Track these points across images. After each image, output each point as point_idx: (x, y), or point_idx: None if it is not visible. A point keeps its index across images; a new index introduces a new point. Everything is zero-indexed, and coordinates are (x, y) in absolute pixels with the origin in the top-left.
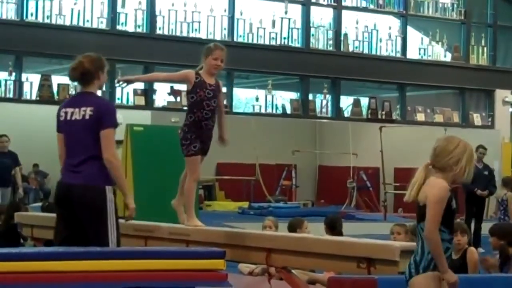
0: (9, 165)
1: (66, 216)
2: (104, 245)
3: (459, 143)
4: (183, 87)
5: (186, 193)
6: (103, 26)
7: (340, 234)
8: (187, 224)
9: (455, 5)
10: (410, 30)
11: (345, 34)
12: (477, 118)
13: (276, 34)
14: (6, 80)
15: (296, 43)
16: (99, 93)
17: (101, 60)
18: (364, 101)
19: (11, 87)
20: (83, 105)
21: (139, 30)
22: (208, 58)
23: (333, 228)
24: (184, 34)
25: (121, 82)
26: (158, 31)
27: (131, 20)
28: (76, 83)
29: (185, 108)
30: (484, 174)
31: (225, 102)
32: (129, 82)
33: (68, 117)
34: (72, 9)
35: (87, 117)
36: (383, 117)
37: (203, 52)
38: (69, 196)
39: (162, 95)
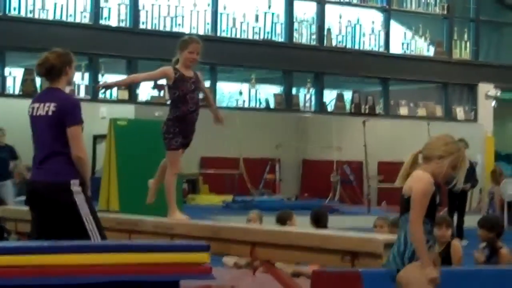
0: (6, 158)
1: (36, 212)
2: (85, 237)
3: (451, 143)
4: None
5: (166, 186)
6: (86, 20)
7: (325, 227)
8: (169, 217)
9: (438, 0)
10: (393, 24)
11: (329, 29)
12: (460, 112)
13: (260, 28)
14: None
15: (280, 38)
16: (66, 89)
17: (68, 55)
18: (348, 95)
19: None
20: (47, 101)
21: (122, 24)
22: (184, 52)
23: (318, 221)
24: (168, 28)
25: (101, 88)
26: (142, 26)
27: (115, 14)
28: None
29: (169, 102)
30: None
31: None
32: (108, 87)
33: (34, 113)
34: (55, 4)
35: (50, 113)
36: (367, 111)
37: (178, 45)
38: (36, 193)
39: (145, 89)
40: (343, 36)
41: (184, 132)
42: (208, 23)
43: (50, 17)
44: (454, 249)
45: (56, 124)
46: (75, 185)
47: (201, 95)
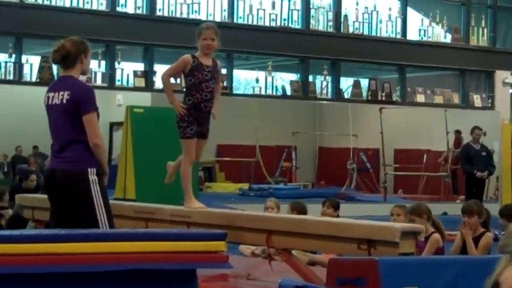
0: None
1: (55, 201)
2: (95, 227)
3: None
4: None
5: (182, 175)
6: (103, 7)
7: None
8: (186, 206)
9: None
10: (410, 11)
11: (345, 15)
12: (477, 100)
13: (276, 15)
14: (6, 62)
15: (296, 25)
16: (83, 78)
17: (84, 44)
18: (364, 83)
19: (11, 69)
20: (61, 89)
21: (139, 11)
22: (199, 40)
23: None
24: (184, 15)
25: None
26: (158, 13)
27: (131, 1)
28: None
29: (185, 90)
30: (482, 155)
31: (225, 84)
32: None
33: (50, 102)
34: None
35: (64, 101)
36: (383, 98)
37: (196, 34)
38: (54, 182)
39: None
40: (359, 23)
41: (199, 119)
42: (224, 10)
43: (67, 4)
44: (484, 240)
45: (71, 112)
46: (92, 174)
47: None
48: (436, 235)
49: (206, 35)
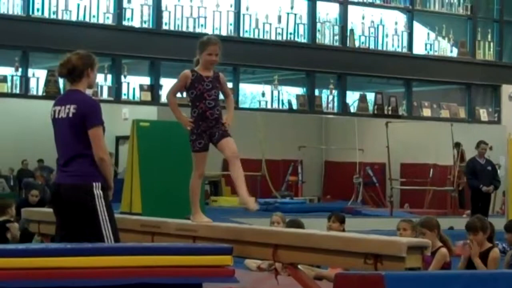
0: None
1: (60, 215)
2: (100, 242)
3: None
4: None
5: (191, 189)
6: (109, 21)
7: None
8: (193, 220)
9: (462, 0)
10: (416, 25)
11: (351, 30)
12: (483, 114)
13: (282, 29)
14: (12, 76)
15: (302, 39)
16: (89, 92)
17: (90, 58)
18: (370, 97)
19: (18, 82)
20: (68, 103)
21: (145, 25)
22: (203, 54)
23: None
24: (190, 29)
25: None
26: (164, 27)
27: (137, 15)
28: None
29: (190, 104)
30: (488, 170)
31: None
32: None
33: (56, 115)
34: (78, 4)
35: (70, 115)
36: (389, 112)
37: (198, 46)
38: (59, 196)
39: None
40: (366, 37)
41: (209, 129)
42: (231, 24)
43: (74, 18)
44: (492, 255)
45: (77, 126)
46: (97, 188)
47: (222, 97)
48: (444, 250)
49: (211, 50)
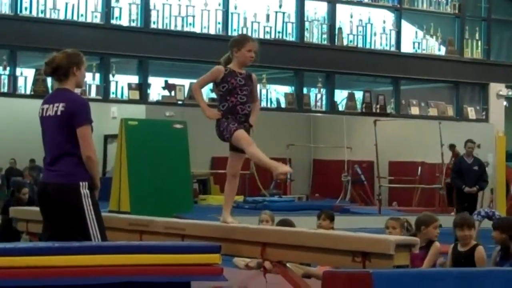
0: None
1: (47, 214)
2: (87, 241)
3: None
4: (177, 81)
5: (254, 157)
6: (97, 20)
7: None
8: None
9: None
10: (404, 23)
11: (339, 28)
12: (471, 112)
13: (271, 28)
14: (0, 75)
15: (291, 37)
16: (78, 91)
17: (77, 56)
18: (359, 95)
19: (6, 81)
20: (56, 101)
21: (133, 24)
22: (241, 51)
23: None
24: (179, 28)
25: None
26: (153, 25)
27: (126, 14)
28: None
29: (180, 102)
30: (474, 169)
31: None
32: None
33: (44, 114)
34: (66, 3)
35: (58, 113)
36: (378, 110)
37: (232, 45)
38: (46, 195)
39: (156, 89)
40: (354, 35)
41: (238, 121)
42: (219, 23)
43: (62, 17)
44: (478, 255)
45: (65, 125)
46: (84, 188)
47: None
48: (437, 243)
49: (251, 46)
